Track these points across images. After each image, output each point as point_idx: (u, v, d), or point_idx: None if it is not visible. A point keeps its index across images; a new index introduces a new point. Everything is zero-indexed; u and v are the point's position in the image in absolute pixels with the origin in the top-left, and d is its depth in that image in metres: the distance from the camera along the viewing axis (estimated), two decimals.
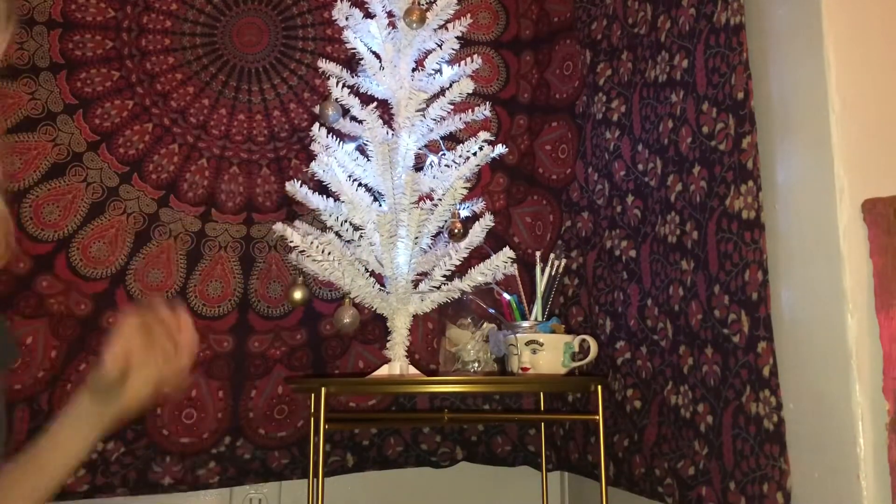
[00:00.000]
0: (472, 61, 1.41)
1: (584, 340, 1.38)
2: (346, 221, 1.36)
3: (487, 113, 1.43)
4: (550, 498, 1.71)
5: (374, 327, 1.64)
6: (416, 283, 1.39)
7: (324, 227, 1.39)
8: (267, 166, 1.69)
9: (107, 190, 1.61)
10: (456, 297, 1.39)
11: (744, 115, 1.12)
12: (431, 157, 1.37)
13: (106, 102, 1.64)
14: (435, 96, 1.42)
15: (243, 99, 1.71)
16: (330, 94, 1.38)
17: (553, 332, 1.39)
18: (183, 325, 0.79)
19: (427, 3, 1.41)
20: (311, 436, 1.45)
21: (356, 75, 1.43)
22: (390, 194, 1.36)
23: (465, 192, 1.37)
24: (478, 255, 1.38)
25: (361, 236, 1.36)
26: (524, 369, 1.35)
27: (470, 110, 1.42)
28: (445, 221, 1.37)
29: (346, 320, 1.34)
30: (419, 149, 1.41)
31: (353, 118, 1.40)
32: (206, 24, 1.72)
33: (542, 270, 1.45)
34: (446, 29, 1.43)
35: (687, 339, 1.25)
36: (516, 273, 1.42)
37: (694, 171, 1.24)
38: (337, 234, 1.36)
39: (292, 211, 1.66)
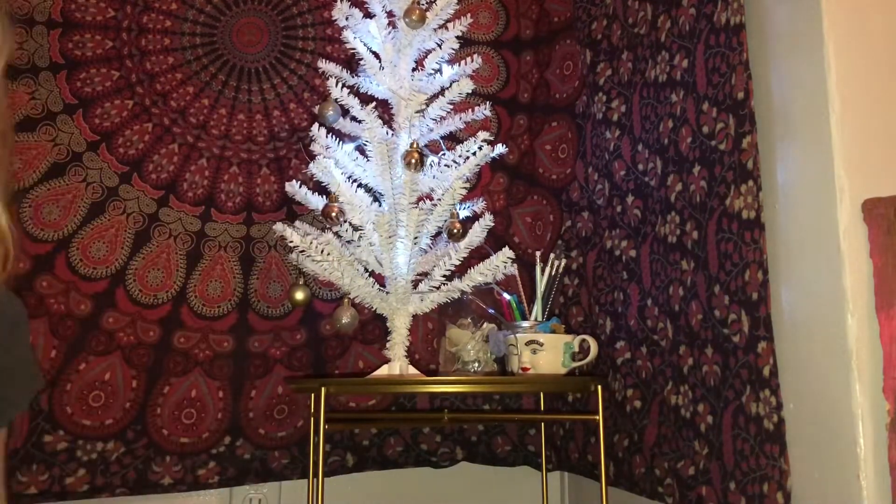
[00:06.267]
0: (472, 61, 1.41)
1: (584, 340, 1.38)
2: (345, 221, 1.36)
3: (487, 112, 1.42)
4: (550, 498, 1.71)
5: (374, 327, 1.64)
6: (415, 283, 1.39)
7: (323, 227, 1.39)
8: (267, 166, 1.69)
9: (107, 190, 1.61)
10: (456, 297, 1.39)
11: (744, 115, 1.12)
12: (431, 157, 1.37)
13: (106, 102, 1.64)
14: (435, 96, 1.42)
15: (243, 99, 1.71)
16: (330, 94, 1.38)
17: (553, 332, 1.39)
18: None
19: (427, 3, 1.41)
20: (311, 436, 1.45)
21: (356, 75, 1.43)
22: (389, 194, 1.36)
23: (464, 191, 1.37)
24: (478, 255, 1.38)
25: (361, 236, 1.36)
26: (524, 369, 1.35)
27: (470, 110, 1.42)
28: (445, 221, 1.36)
29: (345, 320, 1.34)
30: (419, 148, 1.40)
31: (353, 118, 1.40)
32: (206, 24, 1.72)
33: (542, 270, 1.45)
34: (446, 28, 1.42)
35: (687, 339, 1.25)
36: (516, 273, 1.42)
37: (694, 171, 1.24)
38: (336, 234, 1.36)
39: (292, 211, 1.66)
